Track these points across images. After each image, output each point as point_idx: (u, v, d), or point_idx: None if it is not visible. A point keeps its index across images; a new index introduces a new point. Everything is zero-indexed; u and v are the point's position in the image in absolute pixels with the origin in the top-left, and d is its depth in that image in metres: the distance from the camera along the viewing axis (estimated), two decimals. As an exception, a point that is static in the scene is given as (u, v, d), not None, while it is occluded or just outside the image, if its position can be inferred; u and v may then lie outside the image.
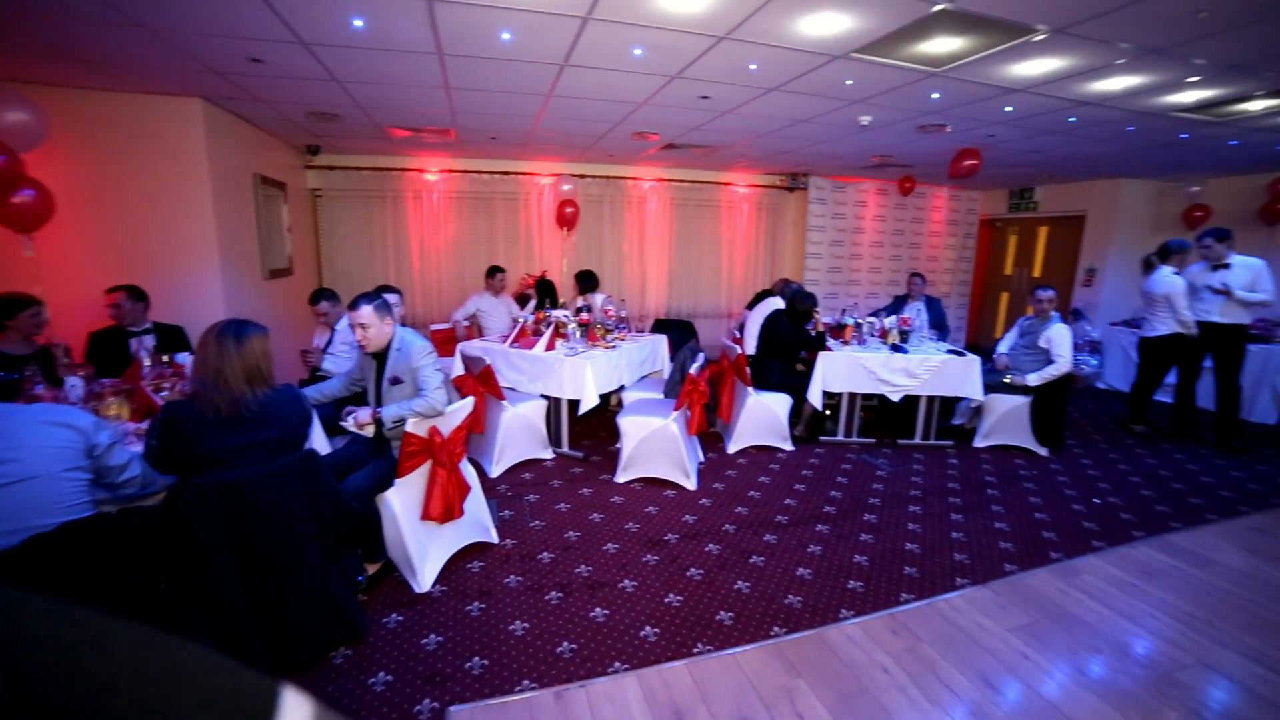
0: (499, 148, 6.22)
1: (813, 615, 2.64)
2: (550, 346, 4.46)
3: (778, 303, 5.24)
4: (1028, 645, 2.48)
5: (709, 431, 4.92)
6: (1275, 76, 3.42)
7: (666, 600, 2.73)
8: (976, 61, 3.24)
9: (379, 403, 2.88)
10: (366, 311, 2.73)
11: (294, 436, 2.18)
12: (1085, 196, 7.76)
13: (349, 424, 2.74)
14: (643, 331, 5.95)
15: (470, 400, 3.00)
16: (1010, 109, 4.19)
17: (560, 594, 2.76)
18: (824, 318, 5.62)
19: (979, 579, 2.96)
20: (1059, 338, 4.63)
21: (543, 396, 4.41)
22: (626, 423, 3.97)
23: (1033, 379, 4.67)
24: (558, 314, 4.89)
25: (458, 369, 4.45)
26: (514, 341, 4.63)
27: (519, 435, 4.25)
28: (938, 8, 2.59)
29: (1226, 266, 4.82)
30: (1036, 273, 8.73)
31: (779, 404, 4.66)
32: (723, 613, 2.64)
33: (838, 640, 2.48)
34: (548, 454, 4.46)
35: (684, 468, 3.92)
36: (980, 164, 5.37)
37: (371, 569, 2.79)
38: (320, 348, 4.25)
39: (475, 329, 5.96)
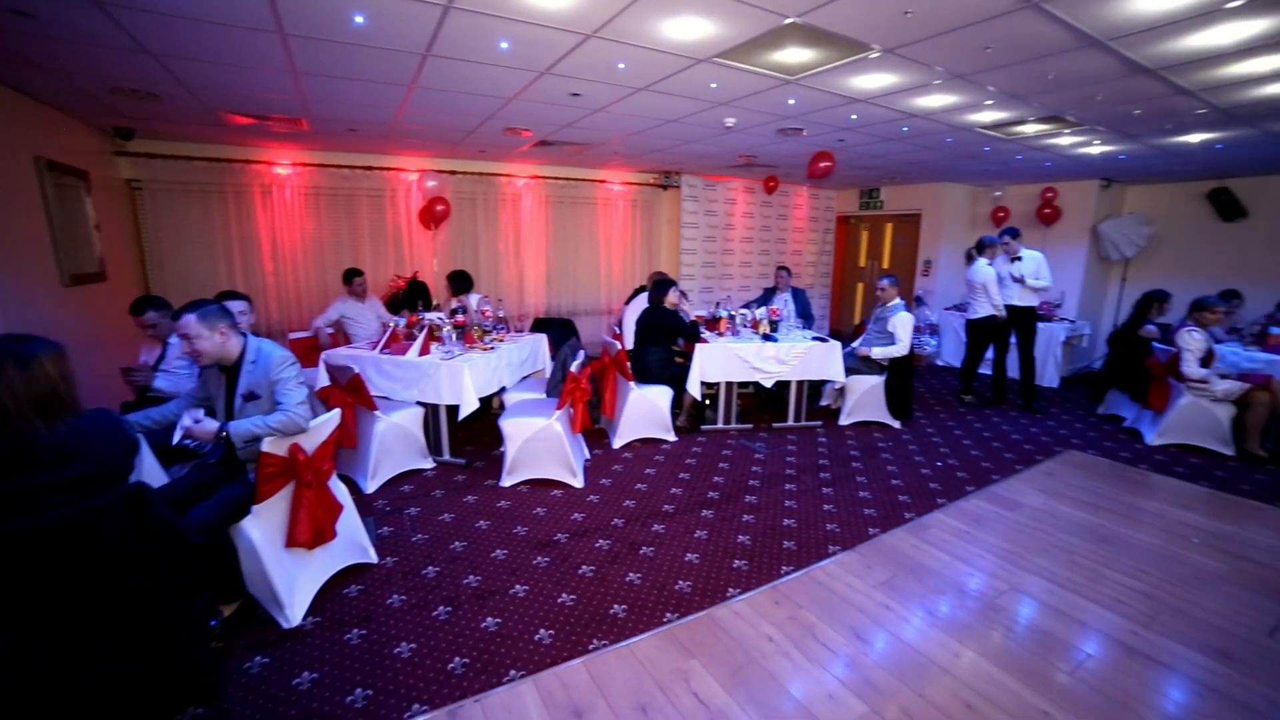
0: (360, 140, 5.76)
1: (702, 597, 2.76)
2: (425, 351, 4.24)
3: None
4: (889, 598, 2.77)
5: (594, 428, 4.95)
6: (1042, 106, 4.10)
7: (560, 600, 2.71)
8: (824, 72, 3.54)
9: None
10: (189, 321, 2.40)
11: (112, 470, 1.86)
12: (920, 197, 8.77)
13: (180, 428, 2.36)
14: (522, 331, 5.83)
15: (336, 413, 2.77)
16: (855, 117, 4.62)
17: (448, 608, 2.64)
18: (698, 310, 5.88)
19: (848, 544, 3.26)
20: (900, 322, 5.22)
21: (419, 404, 4.18)
22: (509, 425, 3.87)
23: (876, 352, 5.28)
24: (431, 317, 4.66)
25: (323, 380, 4.09)
26: (384, 347, 4.33)
27: (395, 446, 3.99)
28: (788, 20, 2.79)
29: (1019, 259, 5.77)
30: (885, 264, 9.73)
31: (660, 396, 4.80)
32: (616, 606, 2.68)
33: (726, 618, 2.61)
34: (428, 464, 4.23)
35: (570, 466, 3.91)
36: (834, 165, 5.87)
37: (228, 610, 2.49)
38: (149, 365, 3.68)
39: (341, 336, 5.50)
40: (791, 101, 4.20)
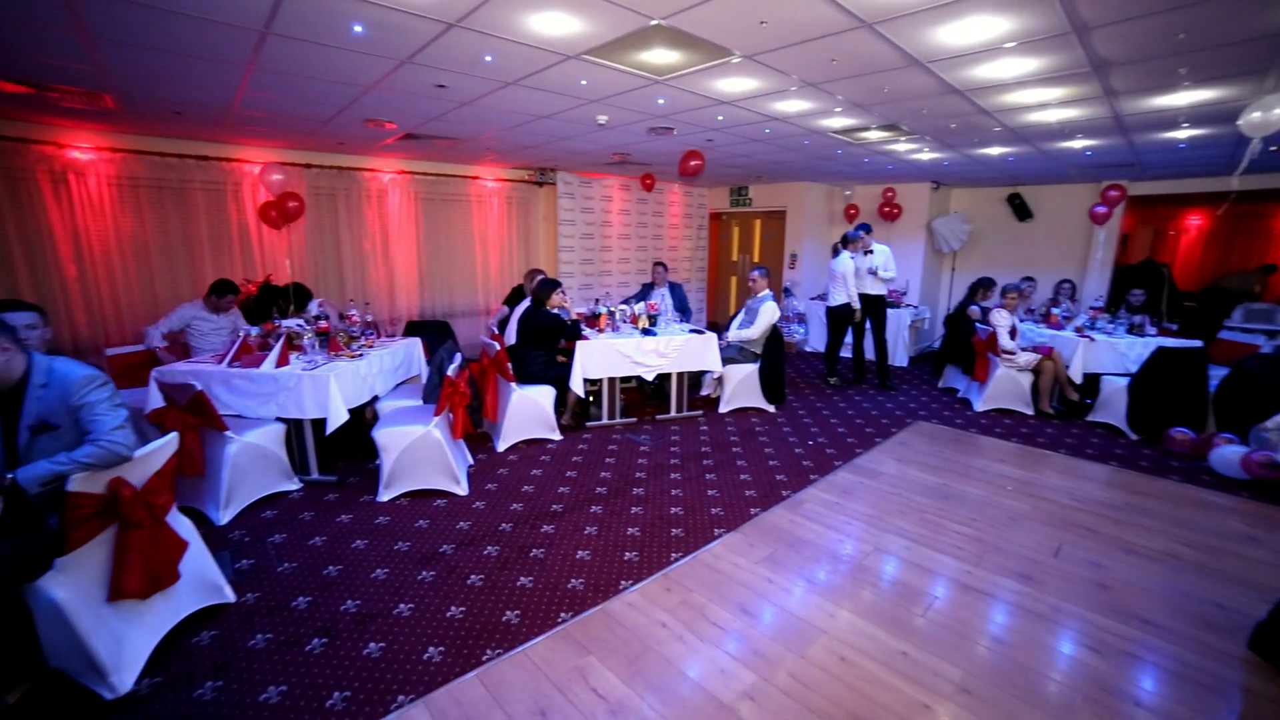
0: (189, 125, 5.05)
1: (596, 593, 2.77)
2: (283, 362, 3.84)
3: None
4: (772, 572, 2.96)
5: (476, 433, 4.79)
6: (881, 116, 4.58)
7: (449, 614, 2.60)
8: (690, 74, 3.67)
9: (14, 461, 2.12)
10: None
11: None
12: (785, 195, 9.42)
13: None
14: (394, 336, 5.50)
15: (172, 438, 2.42)
16: (721, 118, 4.85)
17: (324, 639, 2.43)
18: (579, 308, 5.90)
19: (732, 526, 3.44)
20: (763, 311, 5.58)
21: (279, 420, 3.78)
22: (384, 435, 3.63)
23: (731, 335, 5.70)
24: (289, 324, 4.24)
25: (155, 400, 3.57)
26: (234, 360, 3.87)
27: (252, 469, 3.58)
28: (654, 22, 2.86)
29: (871, 252, 6.41)
30: (756, 258, 10.33)
31: (543, 396, 4.75)
32: (509, 612, 2.62)
33: (621, 610, 2.65)
34: (293, 485, 3.85)
35: (452, 474, 3.75)
36: (704, 164, 6.12)
37: (13, 698, 2.03)
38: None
39: (179, 349, 4.81)
40: (661, 101, 4.31)
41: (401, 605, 2.66)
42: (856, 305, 6.39)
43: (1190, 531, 3.45)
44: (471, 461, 4.32)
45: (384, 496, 3.70)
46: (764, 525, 3.47)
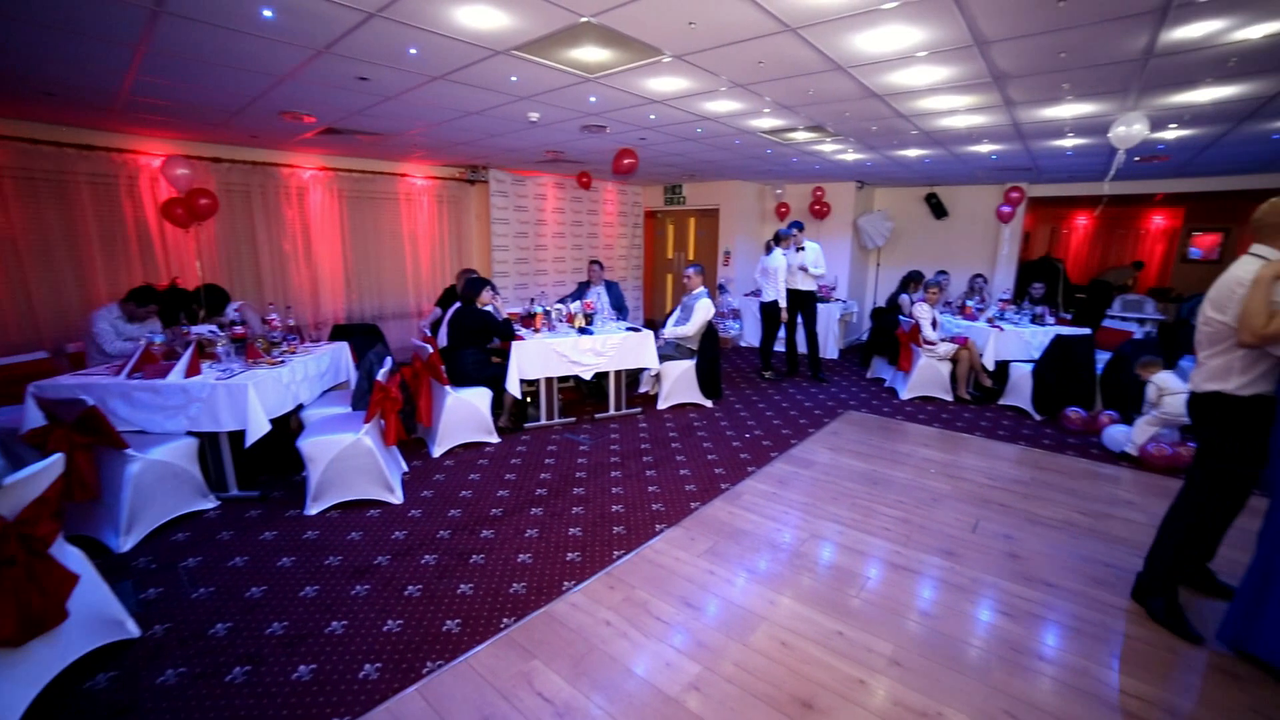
0: (62, 109, 4.55)
1: (538, 596, 2.74)
2: (194, 371, 3.57)
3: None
4: (713, 564, 3.02)
5: (410, 439, 4.63)
6: (808, 118, 4.75)
7: (385, 629, 2.50)
8: (622, 73, 3.68)
9: None
10: None
11: None
12: (718, 193, 9.59)
13: None
14: (320, 341, 5.23)
15: (56, 460, 2.18)
16: (654, 117, 4.89)
17: (247, 667, 2.28)
18: (513, 307, 5.81)
19: (673, 521, 3.48)
20: (698, 308, 5.69)
21: (191, 434, 3.51)
22: (310, 445, 3.45)
23: (667, 332, 5.79)
24: (200, 330, 3.94)
25: (34, 418, 3.22)
26: (134, 371, 3.56)
27: (159, 489, 3.31)
28: (584, 19, 2.84)
29: (802, 249, 6.63)
30: (691, 256, 10.48)
31: (480, 398, 4.64)
32: (449, 622, 2.55)
33: (564, 612, 2.63)
34: (208, 503, 3.59)
35: (386, 482, 3.61)
36: (637, 162, 6.15)
37: None
38: None
39: (66, 361, 4.36)
40: (593, 99, 4.30)
41: (334, 623, 2.54)
42: (784, 304, 6.60)
43: (1084, 500, 3.79)
44: (406, 469, 4.17)
45: (312, 510, 3.51)
46: (704, 518, 3.53)
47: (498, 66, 3.52)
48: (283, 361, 3.93)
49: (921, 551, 3.16)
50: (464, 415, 4.58)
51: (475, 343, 4.81)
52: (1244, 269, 2.33)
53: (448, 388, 4.46)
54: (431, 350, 4.28)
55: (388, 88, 3.94)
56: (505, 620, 2.56)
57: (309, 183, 6.59)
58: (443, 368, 4.44)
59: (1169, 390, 4.29)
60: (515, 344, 4.80)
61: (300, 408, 4.10)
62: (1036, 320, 6.32)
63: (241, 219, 6.16)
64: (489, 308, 4.96)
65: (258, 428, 3.48)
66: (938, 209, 9.02)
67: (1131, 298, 8.54)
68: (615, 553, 3.12)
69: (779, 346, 7.48)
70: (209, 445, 3.68)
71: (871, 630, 2.51)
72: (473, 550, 3.13)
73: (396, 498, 3.66)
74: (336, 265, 6.98)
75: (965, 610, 2.67)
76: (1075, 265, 11.34)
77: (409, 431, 4.49)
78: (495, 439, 4.76)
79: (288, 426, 4.29)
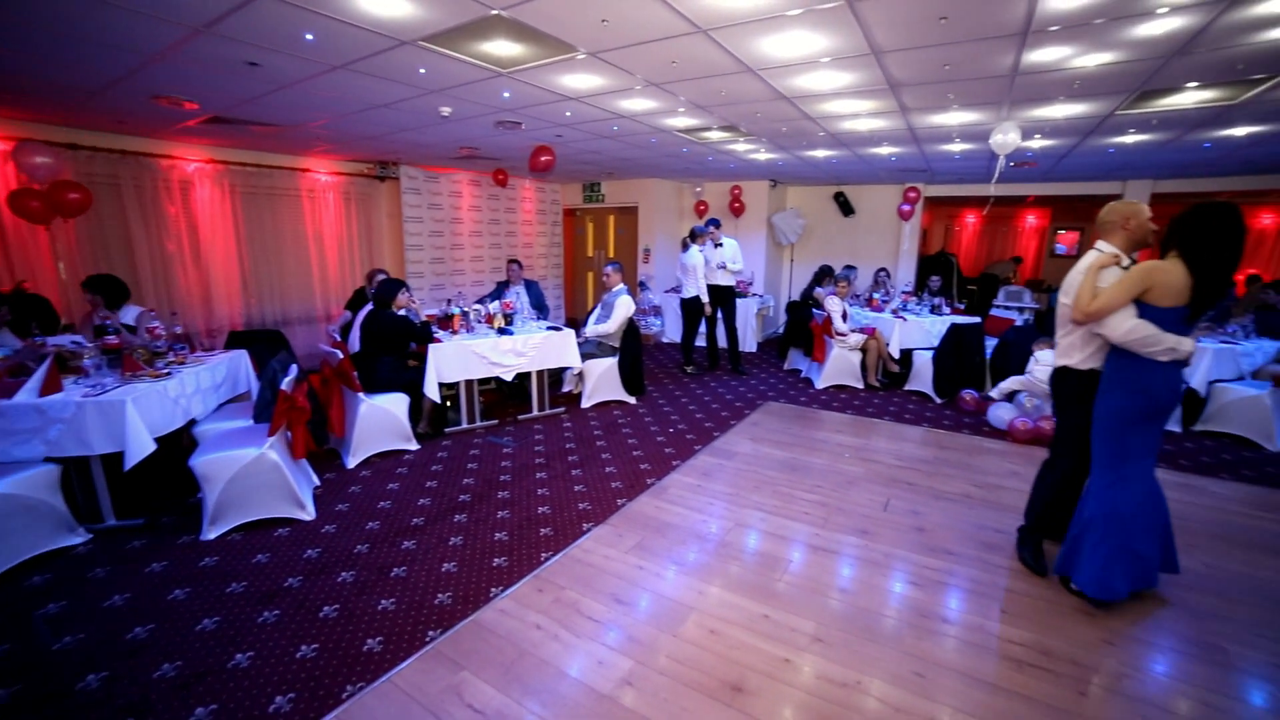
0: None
1: (465, 605, 2.66)
2: (53, 389, 3.17)
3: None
4: (641, 559, 3.05)
5: (323, 450, 4.36)
6: (721, 118, 4.88)
7: (299, 655, 2.34)
8: (535, 69, 3.62)
9: None
10: None
11: None
12: (636, 191, 9.66)
13: None
14: (214, 350, 4.80)
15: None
16: (569, 114, 4.84)
17: (130, 719, 2.05)
18: (430, 309, 5.60)
19: (600, 519, 3.48)
20: (618, 305, 5.72)
21: (50, 461, 3.11)
22: (205, 464, 3.16)
23: (588, 330, 5.78)
24: (59, 341, 3.51)
25: None
26: (-23, 389, 3.11)
27: (5, 528, 2.87)
28: (494, 12, 2.77)
29: (720, 245, 6.81)
30: (611, 254, 10.49)
31: (396, 404, 4.44)
32: (371, 640, 2.42)
33: (493, 619, 2.56)
34: (76, 538, 3.18)
35: (295, 498, 3.38)
36: (554, 160, 6.08)
37: None
38: None
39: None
40: (507, 95, 4.21)
41: (238, 655, 2.34)
42: (705, 299, 6.75)
43: (977, 474, 4.15)
44: (318, 482, 3.91)
45: (210, 534, 3.22)
46: (631, 514, 3.55)
47: (405, 57, 3.36)
48: (169, 373, 3.58)
49: (839, 532, 3.33)
50: (380, 423, 4.36)
51: (391, 349, 4.59)
52: (1086, 260, 2.69)
53: (361, 395, 4.23)
54: (342, 356, 4.04)
55: (282, 75, 3.67)
56: (431, 633, 2.46)
57: (194, 176, 6.02)
58: (355, 374, 4.20)
59: (1043, 362, 4.89)
60: (433, 347, 4.62)
61: (193, 423, 3.75)
62: (935, 311, 6.82)
63: (110, 215, 5.54)
64: (405, 311, 4.75)
65: (139, 448, 3.14)
66: (845, 207, 9.54)
67: (1013, 289, 9.45)
68: (543, 555, 3.08)
69: (700, 341, 7.65)
70: (75, 472, 3.28)
71: (795, 611, 2.62)
72: (394, 563, 2.99)
73: (308, 514, 3.43)
74: (231, 267, 6.43)
75: (879, 584, 2.85)
76: (967, 259, 12.35)
77: (320, 443, 4.23)
78: (415, 446, 4.57)
79: (179, 444, 3.92)
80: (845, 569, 2.98)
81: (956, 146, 5.82)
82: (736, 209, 9.29)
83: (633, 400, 5.90)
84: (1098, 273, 2.60)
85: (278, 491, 3.33)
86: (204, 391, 3.85)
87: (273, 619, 2.56)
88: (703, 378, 6.95)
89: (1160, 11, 2.61)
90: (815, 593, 2.77)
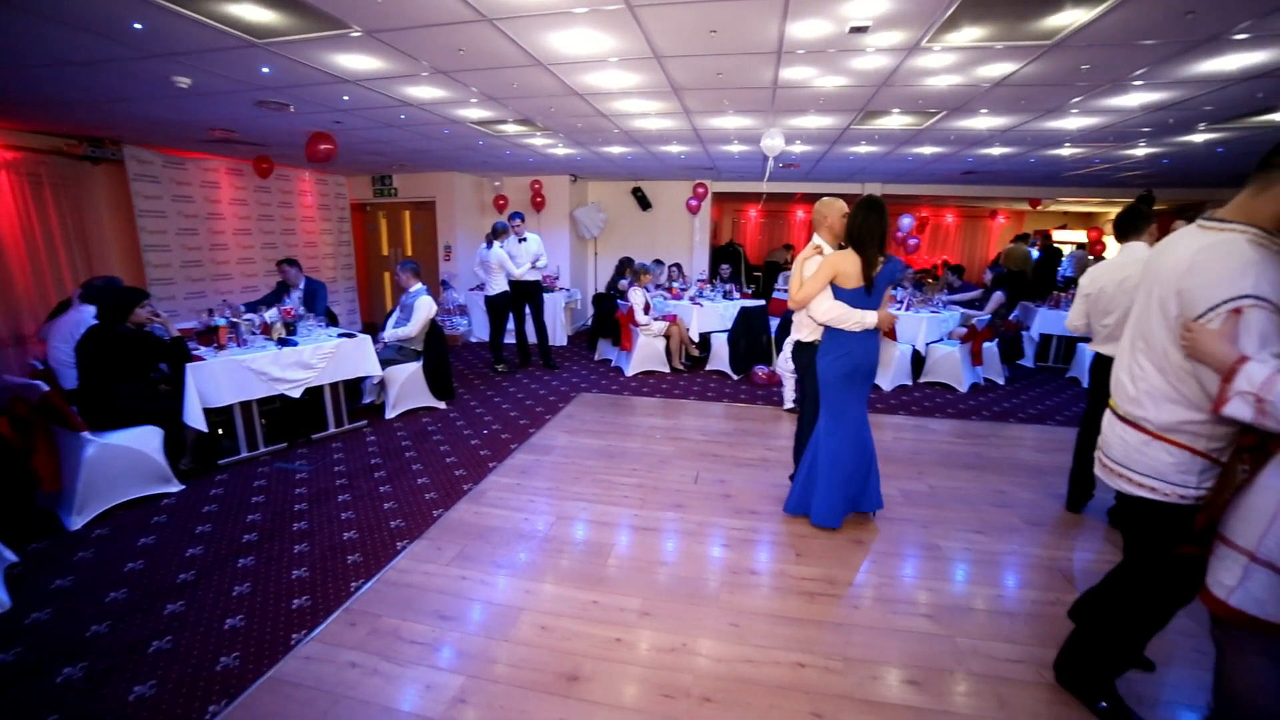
0: None
1: (258, 663, 2.28)
2: None
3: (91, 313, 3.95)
4: (464, 569, 2.91)
5: (28, 511, 3.40)
6: (516, 111, 4.83)
7: (11, 778, 1.80)
8: (301, 43, 3.19)
9: None
10: None
11: None
12: (433, 185, 9.08)
13: None
14: None
15: None
16: (348, 98, 4.37)
17: None
18: (187, 323, 4.70)
19: (415, 534, 3.24)
20: (418, 306, 5.36)
21: None
22: None
23: (387, 335, 5.42)
24: None
25: None
26: None
27: None
28: (235, -30, 2.37)
29: (525, 240, 6.74)
30: (409, 251, 9.75)
31: (144, 440, 3.61)
32: (124, 735, 1.95)
33: (296, 670, 2.25)
34: None
35: (-8, 577, 2.57)
36: (335, 149, 5.44)
37: None
38: None
39: None
40: (266, 70, 3.66)
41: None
42: (503, 289, 6.68)
43: (770, 439, 4.72)
44: (14, 559, 2.94)
45: None
46: (449, 524, 3.37)
47: (114, 8, 2.73)
48: None
49: (657, 510, 3.54)
50: (121, 466, 3.50)
51: (129, 373, 3.72)
52: (803, 253, 3.24)
53: (87, 434, 3.36)
54: (45, 389, 3.16)
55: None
56: (213, 707, 2.07)
57: None
58: (74, 409, 3.32)
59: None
60: (191, 366, 3.85)
61: None
62: (727, 296, 7.58)
63: None
64: (153, 327, 3.89)
65: None
66: (643, 201, 10.08)
67: (787, 274, 10.90)
68: (353, 584, 2.78)
69: (509, 338, 7.50)
70: None
71: (622, 591, 2.73)
72: (151, 636, 2.44)
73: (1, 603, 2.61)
74: None
75: (697, 551, 3.09)
76: (752, 249, 13.88)
77: (29, 501, 3.27)
78: (177, 487, 3.76)
79: None
80: (667, 543, 3.18)
81: (735, 148, 6.50)
82: (538, 204, 9.26)
83: (442, 405, 5.58)
84: (803, 264, 3.15)
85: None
86: None
87: (-37, 740, 1.93)
88: (515, 375, 6.83)
89: (869, 50, 3.24)
90: (640, 570, 2.91)
